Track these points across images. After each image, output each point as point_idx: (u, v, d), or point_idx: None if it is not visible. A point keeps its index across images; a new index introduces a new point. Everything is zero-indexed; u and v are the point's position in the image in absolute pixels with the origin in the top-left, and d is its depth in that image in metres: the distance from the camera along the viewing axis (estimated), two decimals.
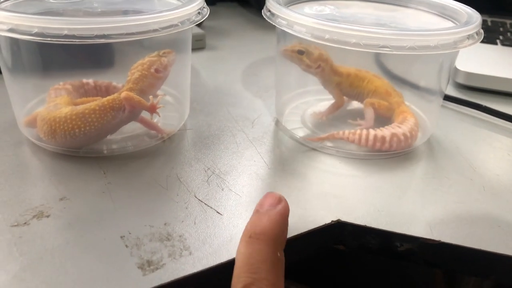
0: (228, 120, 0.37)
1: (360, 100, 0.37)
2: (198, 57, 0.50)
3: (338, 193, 0.29)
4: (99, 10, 0.34)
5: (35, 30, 0.25)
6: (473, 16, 0.32)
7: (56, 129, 0.29)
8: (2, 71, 0.32)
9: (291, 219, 0.24)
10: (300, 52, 0.34)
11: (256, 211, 0.23)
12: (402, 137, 0.33)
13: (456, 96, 0.44)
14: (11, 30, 0.25)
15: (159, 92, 0.34)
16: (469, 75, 0.45)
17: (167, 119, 0.36)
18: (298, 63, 0.34)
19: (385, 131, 0.33)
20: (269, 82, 0.45)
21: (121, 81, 0.36)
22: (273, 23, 0.31)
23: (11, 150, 0.31)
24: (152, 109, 0.31)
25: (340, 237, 0.27)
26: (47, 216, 0.25)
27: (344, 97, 0.37)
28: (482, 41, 0.54)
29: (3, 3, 0.32)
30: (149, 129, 0.33)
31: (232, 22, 0.63)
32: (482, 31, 0.32)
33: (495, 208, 0.29)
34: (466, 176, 0.32)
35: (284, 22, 0.30)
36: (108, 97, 0.30)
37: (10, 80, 0.33)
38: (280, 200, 0.23)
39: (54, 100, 0.32)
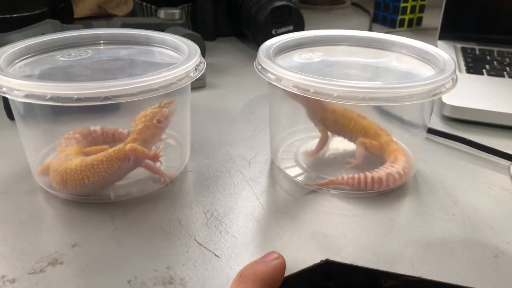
0: (226, 161, 0.40)
1: (348, 138, 0.39)
2: (199, 96, 0.53)
3: (327, 232, 0.32)
4: (105, 66, 0.37)
5: (49, 96, 0.28)
6: (448, 63, 0.34)
7: (67, 179, 0.32)
8: (16, 118, 0.35)
9: (285, 260, 0.26)
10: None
11: (254, 261, 0.26)
12: (396, 176, 0.36)
13: (444, 128, 0.47)
14: (27, 96, 0.28)
15: (163, 135, 0.37)
16: (455, 108, 0.48)
17: (169, 162, 0.38)
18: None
19: (381, 172, 0.36)
20: (266, 120, 0.47)
21: (126, 125, 0.39)
22: (264, 77, 0.34)
23: (26, 198, 0.34)
24: (155, 158, 0.34)
25: (329, 275, 0.30)
26: (61, 263, 0.28)
27: (329, 133, 0.39)
28: (469, 72, 0.57)
29: (17, 63, 0.35)
30: (153, 173, 0.36)
31: (231, 58, 0.67)
32: (456, 76, 0.34)
33: (473, 243, 0.31)
34: (448, 211, 0.34)
35: (273, 76, 0.33)
36: (114, 148, 0.33)
37: (23, 128, 0.35)
38: (278, 257, 0.26)
39: (64, 150, 0.35)
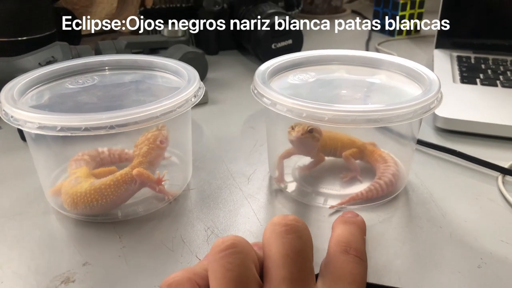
0: (226, 177, 0.42)
1: (338, 156, 0.41)
2: (202, 112, 0.56)
3: (322, 246, 0.34)
4: (111, 93, 0.39)
5: (59, 128, 0.31)
6: (433, 83, 0.36)
7: (78, 202, 0.35)
8: (28, 141, 0.37)
9: None
10: (310, 131, 0.37)
11: None
12: (397, 172, 0.40)
13: (437, 139, 0.49)
14: (39, 128, 0.31)
15: (166, 154, 0.40)
16: (447, 120, 0.50)
17: (172, 180, 0.41)
18: (311, 141, 0.38)
19: (387, 175, 0.39)
20: (265, 135, 0.49)
21: (129, 144, 0.42)
22: (259, 101, 0.36)
23: (40, 218, 0.37)
24: (158, 182, 0.36)
25: None
26: (73, 281, 0.30)
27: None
28: (463, 82, 0.59)
29: (29, 92, 0.38)
30: (157, 193, 0.39)
31: (233, 72, 0.69)
32: (441, 95, 0.36)
33: (457, 254, 0.33)
34: (436, 223, 0.36)
35: (268, 101, 0.35)
36: (121, 172, 0.35)
37: (34, 150, 0.38)
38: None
39: (74, 172, 0.38)
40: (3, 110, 0.33)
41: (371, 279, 0.31)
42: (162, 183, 0.37)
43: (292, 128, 0.37)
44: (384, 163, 0.40)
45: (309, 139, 0.38)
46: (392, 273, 0.31)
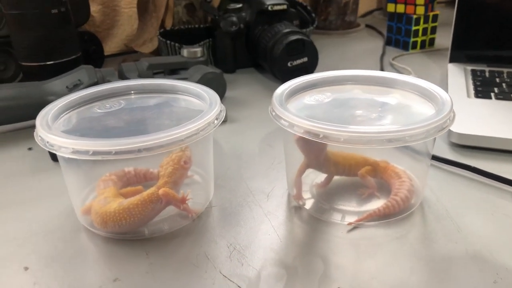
0: (247, 195, 0.44)
1: (351, 175, 0.43)
2: (222, 131, 0.58)
3: (340, 263, 0.35)
4: (137, 117, 0.41)
5: (91, 152, 0.33)
6: (446, 103, 0.38)
7: (108, 221, 0.37)
8: (60, 162, 0.40)
9: None
10: None
11: None
12: (412, 188, 0.41)
13: (452, 155, 0.50)
14: (73, 153, 0.33)
15: (189, 173, 0.42)
16: (462, 135, 0.50)
17: (196, 198, 0.42)
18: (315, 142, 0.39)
19: (403, 191, 0.40)
20: (282, 153, 0.51)
21: (152, 163, 0.44)
22: (278, 123, 0.37)
23: (71, 236, 0.39)
24: (183, 202, 0.38)
25: None
26: None
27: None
28: (477, 96, 0.60)
29: (62, 117, 0.40)
30: (181, 211, 0.40)
31: (250, 90, 0.71)
32: (454, 114, 0.37)
33: (473, 270, 0.34)
34: (452, 239, 0.37)
35: (286, 123, 0.37)
36: (148, 192, 0.37)
37: (66, 170, 0.40)
38: None
39: (103, 192, 0.40)
40: (39, 136, 0.36)
41: None
42: (186, 201, 0.39)
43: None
44: (398, 179, 0.42)
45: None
46: None
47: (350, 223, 0.39)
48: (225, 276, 0.34)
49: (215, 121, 0.38)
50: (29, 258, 0.36)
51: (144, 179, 0.44)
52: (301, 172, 0.42)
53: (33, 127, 0.37)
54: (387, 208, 0.39)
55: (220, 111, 0.39)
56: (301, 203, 0.42)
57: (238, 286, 0.33)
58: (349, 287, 0.33)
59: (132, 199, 0.37)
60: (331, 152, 0.42)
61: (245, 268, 0.35)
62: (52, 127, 0.37)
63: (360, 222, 0.39)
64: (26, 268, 0.35)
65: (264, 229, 0.39)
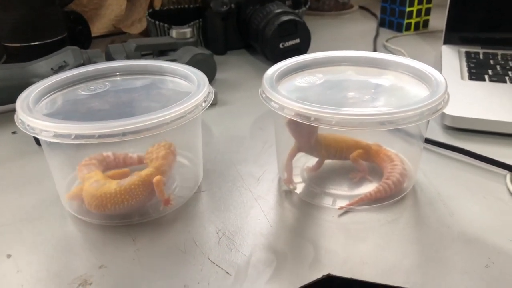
0: (236, 179, 0.43)
1: (343, 158, 0.42)
2: (211, 113, 0.57)
3: (331, 247, 0.34)
4: (122, 99, 0.40)
5: (73, 136, 0.32)
6: (440, 84, 0.37)
7: (107, 203, 0.36)
8: (43, 147, 0.38)
9: (288, 276, 0.29)
10: None
11: None
12: (405, 171, 0.40)
13: (445, 137, 0.49)
14: (55, 136, 0.32)
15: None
16: (455, 118, 0.50)
17: (184, 182, 0.42)
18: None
19: (395, 174, 0.40)
20: (273, 136, 0.50)
21: (137, 148, 0.43)
22: (268, 105, 0.36)
23: (57, 223, 0.38)
24: (166, 203, 0.38)
25: None
26: (90, 284, 0.32)
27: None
28: (471, 78, 0.59)
29: (44, 100, 0.39)
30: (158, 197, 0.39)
31: (241, 72, 0.70)
32: (448, 96, 0.37)
33: (465, 254, 0.33)
34: (444, 223, 0.37)
35: (276, 105, 0.36)
36: (146, 173, 0.37)
37: (49, 155, 0.39)
38: None
39: (91, 176, 0.38)
40: (20, 119, 0.34)
41: (380, 279, 0.31)
42: (169, 204, 0.38)
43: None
44: (390, 162, 0.41)
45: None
46: (400, 273, 0.32)
47: (341, 207, 0.38)
48: (213, 262, 0.33)
49: (203, 104, 0.36)
50: (12, 246, 0.35)
51: (124, 164, 0.42)
52: (292, 156, 0.41)
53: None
54: (378, 192, 0.39)
55: (209, 93, 0.38)
56: (291, 187, 0.41)
57: (227, 272, 0.32)
58: (340, 272, 0.32)
59: (132, 179, 0.36)
60: (322, 135, 0.41)
61: (234, 253, 0.34)
62: (33, 110, 0.35)
63: (352, 207, 0.38)
64: (8, 256, 0.34)
65: (254, 214, 0.38)
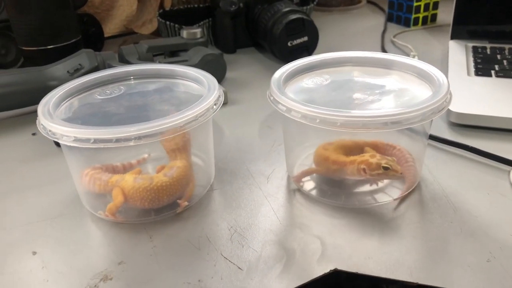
0: (247, 177, 0.45)
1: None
2: (222, 113, 0.58)
3: (337, 243, 0.36)
4: (137, 103, 0.42)
5: (92, 140, 0.34)
6: (442, 85, 0.38)
7: (163, 195, 0.38)
8: (63, 149, 0.40)
9: (297, 271, 0.31)
10: (386, 168, 0.37)
11: None
12: (417, 173, 0.42)
13: (450, 134, 0.50)
14: (75, 141, 0.34)
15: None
16: (461, 115, 0.51)
17: (197, 181, 0.43)
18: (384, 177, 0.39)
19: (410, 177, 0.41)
20: (282, 135, 0.52)
21: (151, 149, 0.45)
22: (276, 107, 0.38)
23: (76, 220, 0.40)
24: (181, 204, 0.40)
25: (337, 283, 0.34)
26: (111, 279, 0.34)
27: None
28: (477, 74, 0.60)
29: (63, 105, 0.41)
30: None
31: (251, 71, 0.71)
32: (450, 96, 0.38)
33: (467, 249, 0.35)
34: (447, 219, 0.38)
35: (283, 107, 0.37)
36: (184, 163, 0.40)
37: (69, 157, 0.41)
38: None
39: (122, 177, 0.39)
40: (42, 125, 0.36)
41: (384, 273, 0.33)
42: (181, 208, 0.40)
43: (364, 167, 0.38)
44: (406, 163, 0.41)
45: (383, 176, 0.38)
46: (404, 268, 0.33)
47: (396, 199, 0.40)
48: (226, 258, 0.35)
49: (214, 107, 0.38)
50: (37, 243, 0.38)
51: (123, 171, 0.43)
52: (308, 172, 0.43)
53: (36, 112, 0.38)
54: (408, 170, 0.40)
55: (219, 96, 0.40)
56: (300, 185, 0.43)
57: (239, 268, 0.34)
58: (346, 267, 0.34)
59: (178, 171, 0.39)
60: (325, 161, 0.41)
61: (246, 249, 0.36)
62: (53, 115, 0.37)
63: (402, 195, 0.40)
64: (34, 253, 0.37)
65: (264, 211, 0.40)
